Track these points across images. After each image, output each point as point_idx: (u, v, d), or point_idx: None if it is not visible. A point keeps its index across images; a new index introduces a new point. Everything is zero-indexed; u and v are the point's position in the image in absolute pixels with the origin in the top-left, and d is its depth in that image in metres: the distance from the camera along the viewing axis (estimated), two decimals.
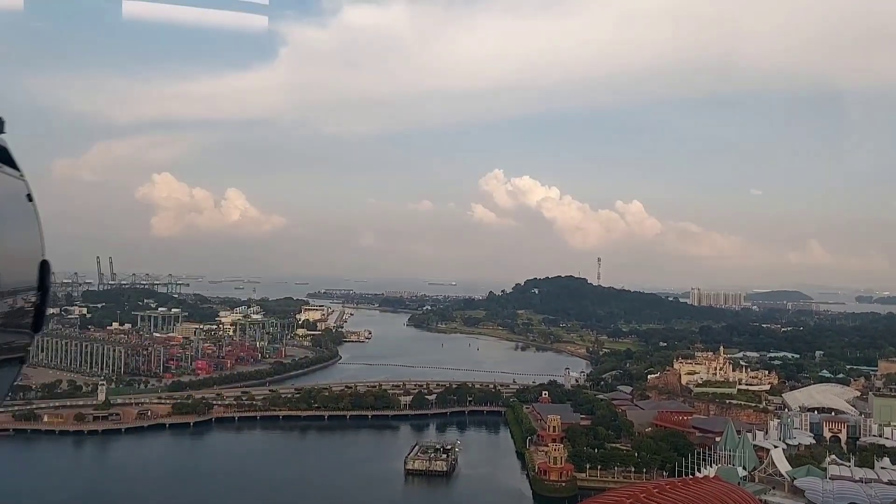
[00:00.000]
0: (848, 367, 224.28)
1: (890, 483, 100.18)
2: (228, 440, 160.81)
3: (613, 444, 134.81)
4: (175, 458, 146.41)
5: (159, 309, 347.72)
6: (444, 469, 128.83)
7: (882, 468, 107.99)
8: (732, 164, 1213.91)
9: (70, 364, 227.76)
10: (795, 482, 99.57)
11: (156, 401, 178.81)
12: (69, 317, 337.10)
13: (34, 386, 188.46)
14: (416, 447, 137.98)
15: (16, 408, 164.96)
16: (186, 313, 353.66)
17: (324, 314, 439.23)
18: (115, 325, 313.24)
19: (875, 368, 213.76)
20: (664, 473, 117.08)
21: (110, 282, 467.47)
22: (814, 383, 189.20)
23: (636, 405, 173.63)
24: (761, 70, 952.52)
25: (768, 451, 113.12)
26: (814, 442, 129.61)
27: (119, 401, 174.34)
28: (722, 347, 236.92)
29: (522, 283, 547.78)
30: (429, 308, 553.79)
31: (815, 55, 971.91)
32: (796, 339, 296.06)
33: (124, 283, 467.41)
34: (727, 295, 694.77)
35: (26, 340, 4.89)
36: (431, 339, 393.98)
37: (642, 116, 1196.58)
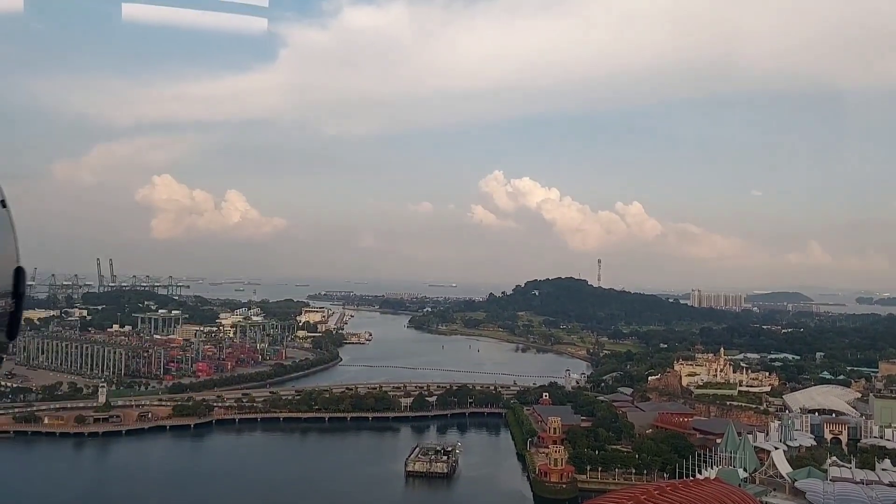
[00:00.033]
0: (848, 368, 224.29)
1: (891, 485, 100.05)
2: (229, 442, 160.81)
3: (614, 446, 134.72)
4: (176, 460, 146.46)
5: (159, 311, 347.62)
6: (445, 471, 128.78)
7: (883, 470, 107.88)
8: (733, 165, 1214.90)
9: (70, 366, 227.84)
10: (796, 484, 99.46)
11: (156, 403, 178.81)
12: (69, 319, 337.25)
13: (35, 388, 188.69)
14: (417, 449, 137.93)
15: (16, 410, 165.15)
16: (187, 315, 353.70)
17: (324, 316, 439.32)
18: (116, 327, 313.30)
19: (876, 370, 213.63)
20: (665, 475, 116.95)
21: (110, 284, 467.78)
22: (814, 385, 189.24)
23: (637, 407, 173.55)
24: (761, 71, 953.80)
25: (769, 452, 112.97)
26: (814, 443, 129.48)
27: (119, 403, 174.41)
28: (722, 349, 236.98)
29: (523, 285, 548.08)
30: (429, 310, 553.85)
31: (815, 56, 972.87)
32: (797, 340, 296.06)
33: (124, 285, 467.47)
34: (727, 296, 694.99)
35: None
36: (432, 340, 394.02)
37: (642, 117, 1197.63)
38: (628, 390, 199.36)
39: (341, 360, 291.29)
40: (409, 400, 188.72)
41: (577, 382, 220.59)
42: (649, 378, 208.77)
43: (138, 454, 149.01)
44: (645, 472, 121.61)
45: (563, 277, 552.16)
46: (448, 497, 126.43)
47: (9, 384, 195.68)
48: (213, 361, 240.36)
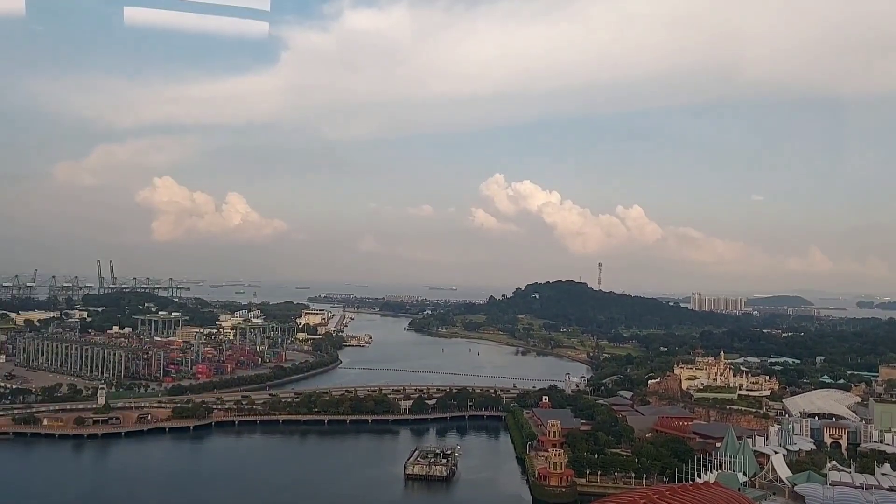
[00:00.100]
0: (849, 372, 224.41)
1: (890, 489, 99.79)
2: (228, 444, 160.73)
3: (613, 450, 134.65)
4: (175, 462, 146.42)
5: (160, 313, 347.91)
6: (444, 474, 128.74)
7: (883, 474, 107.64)
8: (733, 170, 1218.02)
9: (70, 368, 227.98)
10: (796, 488, 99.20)
11: (156, 405, 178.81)
12: (69, 320, 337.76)
13: (34, 389, 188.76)
14: (416, 452, 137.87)
15: (16, 411, 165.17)
16: (187, 317, 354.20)
17: (324, 318, 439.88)
18: (116, 328, 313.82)
19: (876, 374, 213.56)
20: (664, 479, 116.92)
21: (111, 286, 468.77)
22: (814, 389, 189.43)
23: (636, 410, 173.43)
24: (761, 76, 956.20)
25: (769, 456, 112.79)
26: (814, 448, 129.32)
27: (119, 405, 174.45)
28: (722, 353, 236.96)
29: (523, 288, 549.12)
30: (429, 312, 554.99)
31: (816, 61, 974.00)
32: (797, 344, 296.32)
33: (125, 286, 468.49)
34: (728, 300, 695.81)
35: None
36: (432, 343, 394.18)
37: (643, 121, 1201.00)
38: (628, 394, 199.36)
39: (341, 362, 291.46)
40: (409, 403, 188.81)
41: (577, 386, 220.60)
42: (649, 382, 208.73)
43: (137, 456, 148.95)
44: (644, 475, 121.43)
45: (563, 281, 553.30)
46: (447, 500, 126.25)
47: (8, 385, 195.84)
48: (213, 363, 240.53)
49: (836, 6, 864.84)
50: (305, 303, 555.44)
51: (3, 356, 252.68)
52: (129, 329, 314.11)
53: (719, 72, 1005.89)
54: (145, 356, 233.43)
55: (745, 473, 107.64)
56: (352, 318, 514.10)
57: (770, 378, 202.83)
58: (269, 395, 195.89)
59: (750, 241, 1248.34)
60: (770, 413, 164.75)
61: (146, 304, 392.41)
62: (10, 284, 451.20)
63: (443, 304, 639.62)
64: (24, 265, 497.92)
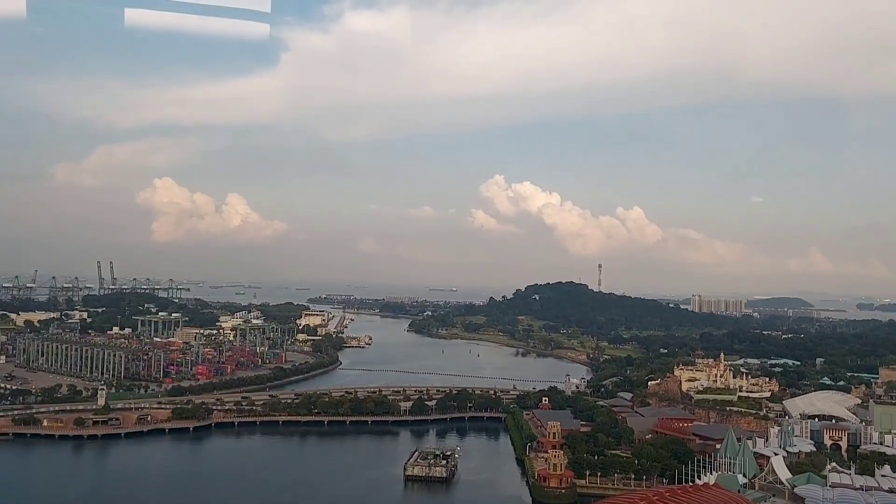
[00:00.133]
0: (849, 374, 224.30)
1: (890, 491, 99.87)
2: (228, 445, 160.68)
3: (613, 451, 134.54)
4: (175, 463, 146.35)
5: (160, 314, 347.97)
6: (444, 475, 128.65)
7: (882, 476, 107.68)
8: (733, 171, 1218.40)
9: (70, 369, 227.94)
10: (796, 490, 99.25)
11: (156, 406, 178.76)
12: (69, 321, 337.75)
13: (34, 390, 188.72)
14: (416, 453, 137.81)
15: (15, 412, 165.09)
16: (187, 318, 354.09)
17: (324, 319, 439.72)
18: (116, 329, 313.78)
19: (876, 376, 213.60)
20: (664, 481, 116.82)
21: (111, 286, 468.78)
22: (814, 390, 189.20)
23: (636, 412, 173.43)
24: (761, 77, 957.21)
25: (769, 458, 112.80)
26: (814, 449, 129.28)
27: (119, 405, 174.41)
28: (722, 354, 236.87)
29: (523, 289, 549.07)
30: (429, 314, 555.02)
31: (816, 63, 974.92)
32: (797, 346, 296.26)
33: (125, 287, 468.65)
34: (728, 302, 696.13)
35: None
36: (432, 344, 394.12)
37: (643, 123, 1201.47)
38: (628, 395, 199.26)
39: (341, 363, 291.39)
40: (409, 404, 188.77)
41: (577, 387, 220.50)
42: (649, 383, 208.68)
43: (137, 457, 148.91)
44: (644, 477, 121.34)
45: (563, 282, 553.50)
46: (447, 501, 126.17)
47: (8, 386, 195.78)
48: (213, 364, 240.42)
49: (836, 6, 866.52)
50: (305, 304, 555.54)
51: (3, 357, 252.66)
52: (129, 330, 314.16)
53: (719, 73, 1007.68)
54: (145, 357, 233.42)
55: (745, 475, 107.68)
56: (352, 320, 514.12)
57: (770, 380, 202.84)
58: (269, 396, 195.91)
59: (750, 242, 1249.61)
60: (770, 415, 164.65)
61: (146, 305, 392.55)
62: (11, 285, 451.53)
63: (443, 306, 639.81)
64: (24, 266, 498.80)
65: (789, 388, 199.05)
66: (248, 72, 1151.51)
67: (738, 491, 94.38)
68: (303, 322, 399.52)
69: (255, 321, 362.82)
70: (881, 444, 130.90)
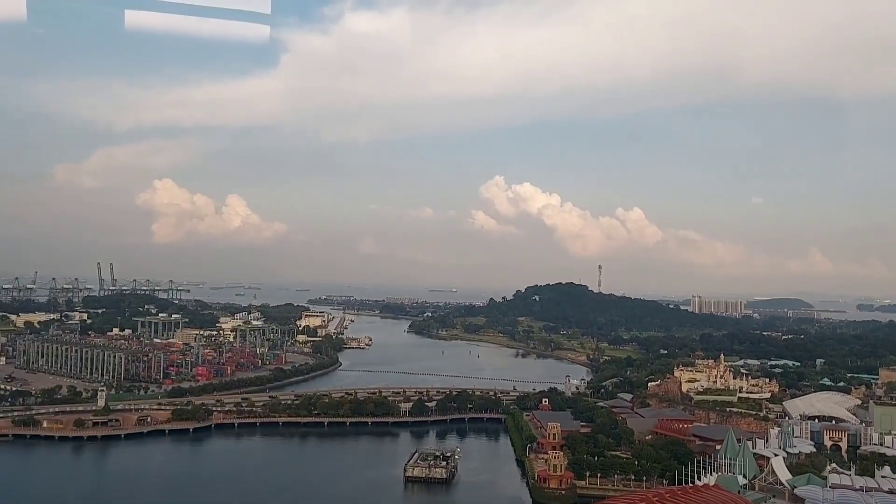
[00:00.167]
0: (849, 375, 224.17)
1: (890, 492, 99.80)
2: (228, 446, 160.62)
3: (613, 452, 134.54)
4: (174, 465, 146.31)
5: (160, 315, 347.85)
6: (444, 476, 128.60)
7: (883, 477, 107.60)
8: (733, 172, 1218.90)
9: (70, 370, 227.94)
10: (796, 491, 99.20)
11: (155, 407, 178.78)
12: (69, 322, 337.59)
13: (34, 391, 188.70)
14: (416, 454, 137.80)
15: (15, 413, 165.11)
16: (187, 319, 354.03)
17: (324, 320, 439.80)
18: (116, 330, 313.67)
19: (876, 377, 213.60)
20: (664, 482, 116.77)
21: (111, 287, 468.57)
22: (814, 391, 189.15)
23: (636, 413, 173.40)
24: (761, 78, 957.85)
25: (769, 459, 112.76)
26: (814, 450, 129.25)
27: (119, 407, 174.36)
28: (722, 355, 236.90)
29: (523, 290, 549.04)
30: (429, 315, 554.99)
31: (815, 64, 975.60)
32: (797, 346, 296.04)
33: (125, 288, 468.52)
34: (728, 302, 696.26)
35: None
36: (432, 345, 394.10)
37: (643, 124, 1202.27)
38: (628, 396, 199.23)
39: (341, 364, 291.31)
40: (409, 405, 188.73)
41: (577, 388, 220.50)
42: (649, 384, 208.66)
43: (137, 458, 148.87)
44: (644, 478, 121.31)
45: (563, 283, 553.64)
46: (447, 502, 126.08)
47: (8, 387, 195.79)
48: (213, 366, 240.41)
49: (835, 7, 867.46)
50: (305, 305, 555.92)
51: (3, 358, 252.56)
52: (129, 331, 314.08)
53: (719, 73, 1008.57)
54: (145, 358, 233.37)
55: (745, 476, 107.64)
56: (352, 321, 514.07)
57: (770, 380, 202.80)
58: (269, 397, 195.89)
59: (750, 243, 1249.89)
60: (770, 416, 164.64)
61: (146, 306, 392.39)
62: (11, 286, 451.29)
63: (443, 307, 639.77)
64: (24, 267, 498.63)
65: (789, 389, 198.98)
66: (248, 73, 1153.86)
67: (739, 492, 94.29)
68: (303, 323, 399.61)
69: (255, 322, 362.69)
70: (881, 444, 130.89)
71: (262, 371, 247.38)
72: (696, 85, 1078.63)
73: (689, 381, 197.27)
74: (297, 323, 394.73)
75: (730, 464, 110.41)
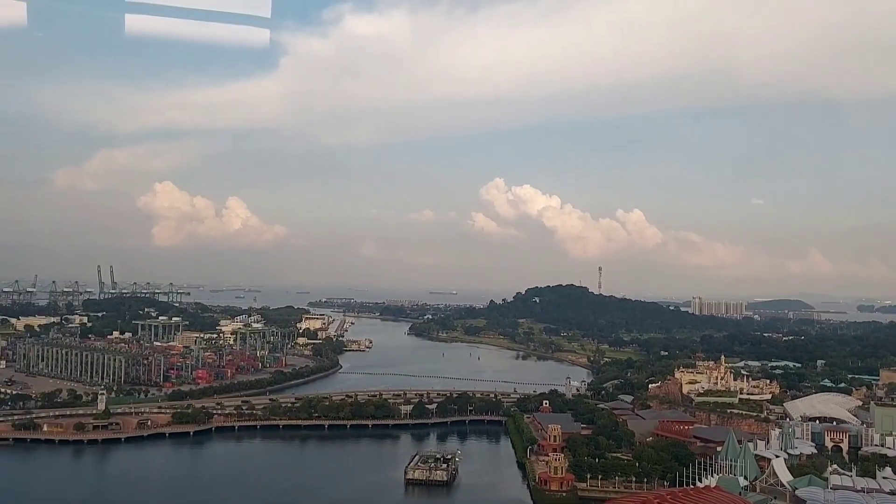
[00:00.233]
0: (849, 376, 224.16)
1: (892, 493, 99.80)
2: (228, 449, 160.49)
3: (614, 454, 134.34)
4: (175, 468, 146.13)
5: (160, 318, 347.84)
6: (445, 479, 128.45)
7: (884, 478, 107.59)
8: (733, 173, 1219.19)
9: (70, 373, 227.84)
10: (797, 492, 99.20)
11: (156, 410, 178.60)
12: (70, 326, 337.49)
13: (34, 395, 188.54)
14: (417, 457, 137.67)
15: (15, 417, 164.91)
16: (187, 322, 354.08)
17: (325, 323, 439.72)
18: (116, 333, 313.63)
19: (877, 377, 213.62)
20: (665, 483, 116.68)
21: (111, 290, 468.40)
22: (815, 392, 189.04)
23: (637, 414, 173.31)
24: (761, 80, 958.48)
25: (770, 460, 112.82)
26: (815, 451, 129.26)
27: (119, 410, 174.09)
28: (723, 356, 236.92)
29: (523, 292, 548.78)
30: (430, 317, 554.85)
31: (815, 65, 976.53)
32: (798, 348, 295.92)
33: (125, 291, 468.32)
34: (728, 304, 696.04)
35: None
36: (432, 347, 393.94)
37: (643, 126, 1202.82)
38: (629, 398, 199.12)
39: (341, 367, 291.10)
40: (409, 407, 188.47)
41: (578, 390, 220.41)
42: (650, 386, 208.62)
43: (137, 462, 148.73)
44: (645, 480, 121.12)
45: (563, 285, 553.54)
46: None
47: (8, 391, 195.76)
48: (213, 368, 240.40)
49: (835, 8, 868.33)
50: (306, 307, 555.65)
51: (4, 362, 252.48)
52: (130, 334, 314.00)
53: (719, 75, 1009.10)
54: (145, 361, 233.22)
55: (746, 477, 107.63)
56: (352, 323, 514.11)
57: (771, 382, 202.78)
58: (270, 400, 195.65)
59: (750, 244, 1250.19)
60: (771, 417, 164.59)
61: (146, 310, 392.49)
62: (11, 290, 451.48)
63: (443, 309, 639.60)
64: (24, 270, 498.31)
65: (790, 391, 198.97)
66: (249, 76, 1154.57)
67: (740, 493, 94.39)
68: (303, 326, 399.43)
69: (255, 325, 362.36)
70: (882, 445, 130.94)
71: (262, 374, 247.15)
72: (697, 86, 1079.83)
73: (690, 383, 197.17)
74: (298, 325, 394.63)
75: (731, 465, 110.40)
